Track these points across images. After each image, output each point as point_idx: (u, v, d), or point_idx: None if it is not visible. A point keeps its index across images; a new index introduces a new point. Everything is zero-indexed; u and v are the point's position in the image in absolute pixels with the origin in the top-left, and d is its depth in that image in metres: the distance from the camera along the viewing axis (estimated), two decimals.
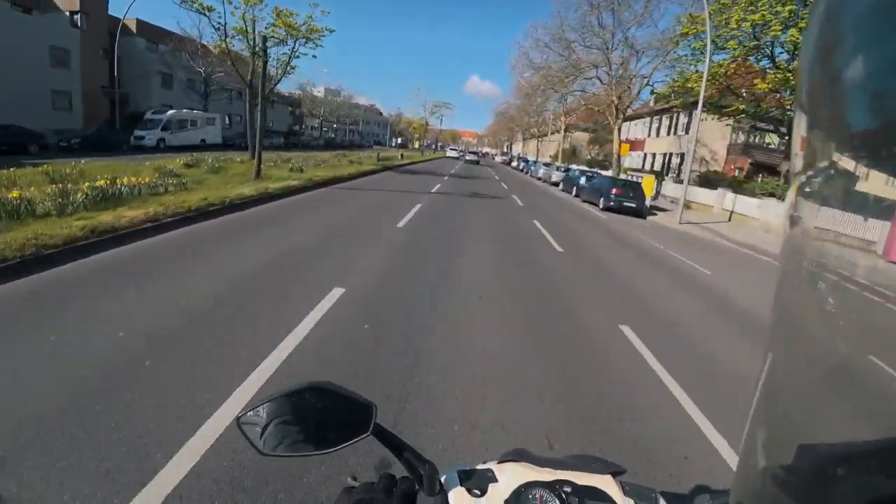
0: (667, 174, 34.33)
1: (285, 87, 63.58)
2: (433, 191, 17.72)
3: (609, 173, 28.38)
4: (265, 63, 18.94)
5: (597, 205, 19.83)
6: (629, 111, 28.01)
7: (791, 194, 0.40)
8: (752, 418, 0.45)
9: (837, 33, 0.36)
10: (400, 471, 0.73)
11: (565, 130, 45.00)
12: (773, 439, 0.43)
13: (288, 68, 20.50)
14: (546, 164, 37.90)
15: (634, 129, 46.44)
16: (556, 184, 30.16)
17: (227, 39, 18.45)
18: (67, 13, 32.02)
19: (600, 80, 26.83)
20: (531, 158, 56.08)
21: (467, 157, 64.44)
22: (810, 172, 0.38)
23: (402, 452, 0.70)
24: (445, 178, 26.33)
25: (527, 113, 59.74)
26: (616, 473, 0.75)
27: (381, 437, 0.69)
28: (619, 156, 27.21)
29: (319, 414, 0.68)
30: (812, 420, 0.40)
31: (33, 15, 30.61)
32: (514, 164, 56.62)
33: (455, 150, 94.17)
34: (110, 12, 35.93)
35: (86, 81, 32.00)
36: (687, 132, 34.32)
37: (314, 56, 22.95)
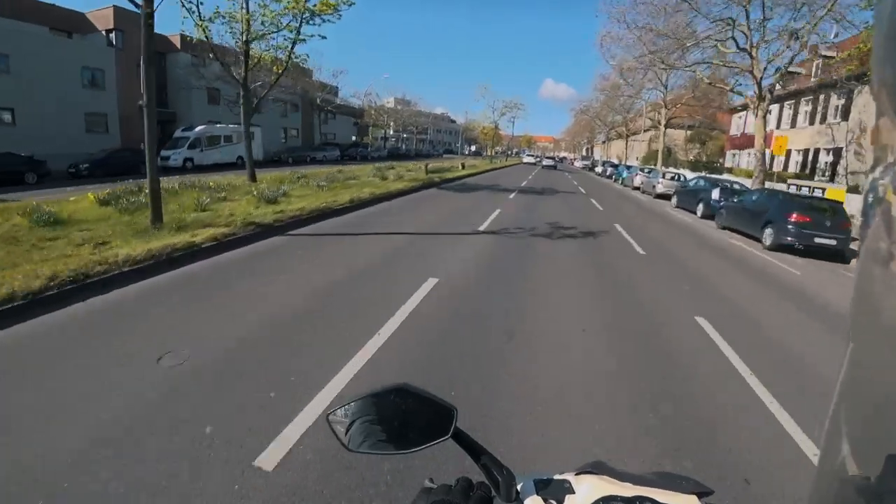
0: (812, 177, 24.92)
1: (346, 96, 60.82)
2: (483, 228, 10.82)
3: (738, 181, 20.06)
4: (247, 52, 15.09)
5: (753, 238, 12.16)
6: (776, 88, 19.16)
7: (867, 187, 0.39)
8: (832, 424, 0.42)
9: None
10: (477, 475, 0.73)
11: (666, 125, 36.08)
12: (857, 448, 0.40)
13: (292, 56, 15.32)
14: (645, 171, 29.66)
15: (752, 121, 36.41)
16: (662, 196, 22.31)
17: (205, 24, 13.47)
18: (103, 32, 30.23)
19: (736, 42, 18.53)
20: (619, 162, 47.45)
21: (544, 163, 62.03)
22: (889, 163, 0.36)
23: (480, 457, 0.70)
24: (512, 194, 19.72)
25: (612, 108, 51.05)
26: (702, 494, 0.70)
27: (460, 440, 0.70)
28: (764, 154, 18.72)
29: (402, 415, 0.69)
30: None
31: (73, 38, 29.08)
32: (599, 169, 48.08)
33: (531, 156, 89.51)
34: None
35: (124, 102, 29.73)
36: (846, 119, 24.62)
37: (323, 37, 17.25)
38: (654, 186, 23.71)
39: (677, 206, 19.03)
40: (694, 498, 0.68)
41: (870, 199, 0.38)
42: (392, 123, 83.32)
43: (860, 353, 0.39)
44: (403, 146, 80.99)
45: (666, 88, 33.46)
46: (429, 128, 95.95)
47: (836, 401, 0.41)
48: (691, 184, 19.18)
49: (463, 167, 32.74)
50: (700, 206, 16.45)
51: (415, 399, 0.70)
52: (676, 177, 23.51)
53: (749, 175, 29.97)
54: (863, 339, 0.39)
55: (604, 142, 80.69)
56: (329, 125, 58.58)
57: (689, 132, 46.72)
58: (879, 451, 0.37)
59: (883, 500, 0.37)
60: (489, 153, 63.53)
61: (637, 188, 28.21)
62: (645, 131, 51.77)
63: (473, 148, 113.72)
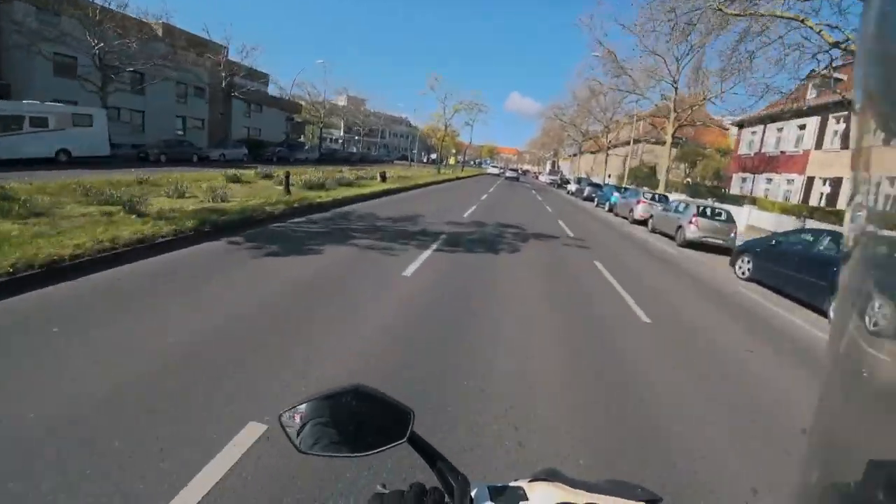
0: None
1: (274, 89, 50.42)
2: None
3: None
4: None
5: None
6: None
7: (849, 210, 0.39)
8: (814, 430, 0.43)
9: None
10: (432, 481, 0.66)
11: (673, 139, 28.01)
12: (839, 454, 0.41)
13: None
14: (651, 196, 21.12)
15: (757, 137, 29.05)
16: (689, 244, 13.68)
17: None
18: None
19: None
20: (600, 181, 39.44)
21: (507, 174, 62.24)
22: (869, 187, 0.37)
23: (435, 462, 0.69)
24: (428, 251, 8.71)
25: (590, 113, 43.25)
26: (651, 501, 0.72)
27: (415, 445, 0.69)
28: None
29: (357, 417, 0.69)
30: (884, 435, 0.38)
31: None
32: (572, 187, 39.53)
33: (496, 167, 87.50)
34: None
35: None
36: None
37: None
38: (680, 227, 14.93)
39: (750, 278, 10.24)
40: None
41: (849, 231, 0.38)
42: (342, 123, 73.26)
43: (842, 363, 0.40)
44: (353, 148, 71.20)
45: (676, 86, 25.26)
46: (382, 130, 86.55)
47: (819, 409, 0.41)
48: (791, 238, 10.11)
49: (383, 178, 23.18)
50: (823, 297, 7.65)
51: (371, 401, 0.69)
52: (716, 213, 14.76)
53: (784, 208, 22.23)
54: (843, 348, 0.39)
55: (574, 155, 73.92)
56: (254, 119, 48.03)
57: (674, 149, 39.34)
58: (860, 458, 0.38)
59: (862, 499, 0.38)
60: (450, 161, 55.26)
61: (640, 223, 19.55)
62: (625, 144, 44.35)
63: (433, 156, 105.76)
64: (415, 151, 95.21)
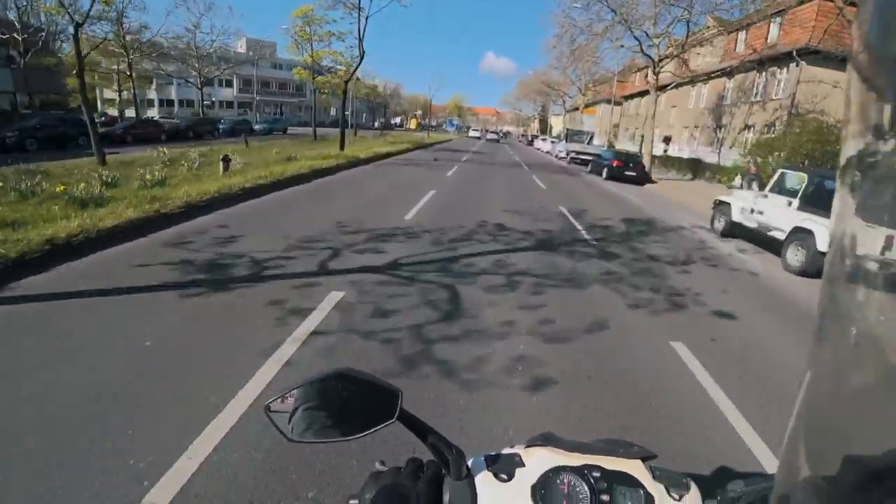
0: None
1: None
2: None
3: None
4: None
5: None
6: None
7: (838, 189, 0.38)
8: (794, 425, 0.43)
9: None
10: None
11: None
12: (817, 449, 0.42)
13: None
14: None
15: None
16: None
17: None
18: None
19: None
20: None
21: (488, 137, 61.80)
22: (859, 163, 0.35)
23: (427, 437, 0.69)
24: None
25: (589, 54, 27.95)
26: (646, 458, 0.73)
27: (406, 422, 0.69)
28: None
29: (345, 400, 0.68)
30: (860, 430, 0.39)
31: None
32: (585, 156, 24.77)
33: (476, 129, 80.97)
34: None
35: None
36: None
37: None
38: None
39: None
40: (639, 462, 0.72)
41: (839, 206, 0.37)
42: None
43: (823, 364, 0.41)
44: (247, 114, 55.24)
45: None
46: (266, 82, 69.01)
47: (799, 404, 0.42)
48: None
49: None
50: None
51: (357, 384, 0.69)
52: None
53: None
54: (826, 344, 0.40)
55: (571, 110, 58.76)
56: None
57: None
58: (837, 452, 0.39)
59: (840, 499, 0.40)
60: (412, 125, 40.08)
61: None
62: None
63: (397, 120, 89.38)
64: (364, 116, 78.57)
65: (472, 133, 76.87)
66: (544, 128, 74.20)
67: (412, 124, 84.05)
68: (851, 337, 0.37)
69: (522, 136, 74.29)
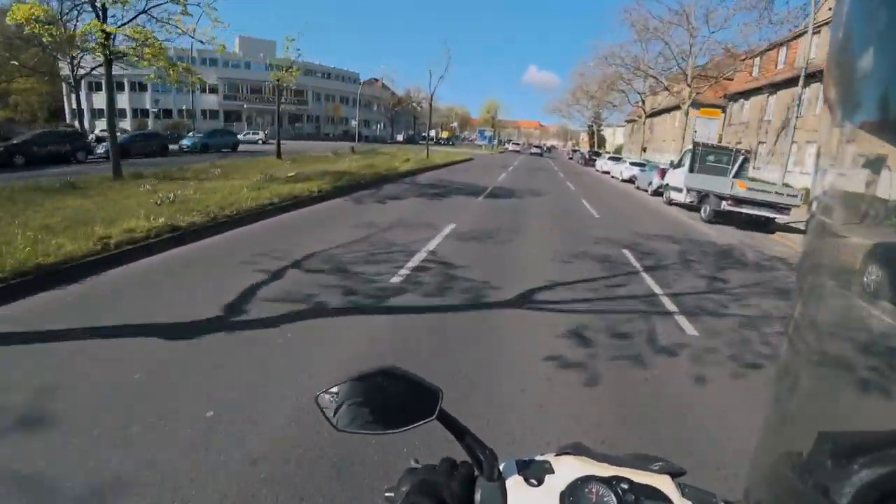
0: None
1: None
2: None
3: None
4: None
5: None
6: None
7: (816, 187, 0.41)
8: (771, 405, 0.45)
9: (864, 24, 0.35)
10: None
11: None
12: (792, 426, 0.44)
13: None
14: None
15: None
16: None
17: None
18: None
19: None
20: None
21: (531, 151, 59.39)
22: (835, 166, 0.38)
23: (464, 437, 0.71)
24: None
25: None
26: (675, 474, 0.73)
27: (445, 421, 0.71)
28: None
29: (389, 397, 0.71)
30: (833, 408, 0.41)
31: None
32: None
33: (516, 143, 77.85)
34: None
35: None
36: None
37: None
38: None
39: None
40: (667, 477, 0.71)
41: (816, 203, 0.40)
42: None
43: (798, 346, 0.42)
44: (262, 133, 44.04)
45: None
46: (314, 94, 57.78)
47: (775, 383, 0.44)
48: None
49: None
50: None
51: (401, 381, 0.72)
52: None
53: None
54: (801, 334, 0.42)
55: (635, 119, 43.98)
56: None
57: None
58: (811, 429, 0.41)
59: (813, 473, 0.42)
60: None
61: None
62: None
63: (433, 133, 77.65)
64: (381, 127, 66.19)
65: (510, 147, 70.71)
66: (598, 142, 59.08)
67: (444, 135, 72.94)
68: (828, 318, 0.39)
69: (574, 151, 59.04)
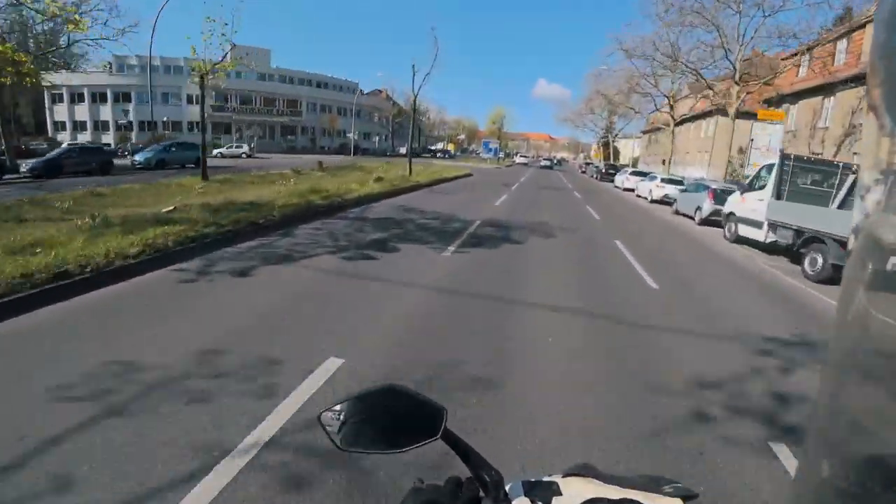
0: None
1: None
2: None
3: None
4: None
5: None
6: None
7: (859, 201, 0.39)
8: (813, 428, 0.44)
9: None
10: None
11: None
12: (837, 451, 0.42)
13: None
14: None
15: None
16: None
17: None
18: None
19: None
20: None
21: (542, 164, 57.68)
22: (880, 180, 0.37)
23: (469, 457, 0.70)
24: None
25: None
26: (686, 498, 0.71)
27: (449, 441, 0.70)
28: None
29: (393, 415, 0.70)
30: (879, 432, 0.39)
31: None
32: None
33: (524, 156, 74.61)
34: None
35: None
36: None
37: None
38: None
39: None
40: (679, 501, 0.69)
41: (859, 217, 0.38)
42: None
43: (841, 366, 0.41)
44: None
45: None
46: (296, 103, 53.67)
47: (817, 408, 0.42)
48: None
49: None
50: None
51: (405, 399, 0.71)
52: None
53: None
54: (845, 353, 0.40)
55: (655, 129, 39.39)
56: None
57: None
58: (856, 455, 0.39)
59: (860, 500, 0.39)
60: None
61: None
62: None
63: (440, 146, 73.82)
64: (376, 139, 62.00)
65: (518, 160, 67.15)
66: (612, 154, 53.95)
67: (451, 148, 70.12)
68: (873, 337, 0.37)
69: (587, 163, 53.80)
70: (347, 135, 54.56)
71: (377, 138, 67.00)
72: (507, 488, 0.70)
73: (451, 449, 0.69)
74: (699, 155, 35.15)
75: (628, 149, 62.73)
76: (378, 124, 69.25)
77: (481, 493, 0.69)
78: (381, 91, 71.92)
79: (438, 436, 0.67)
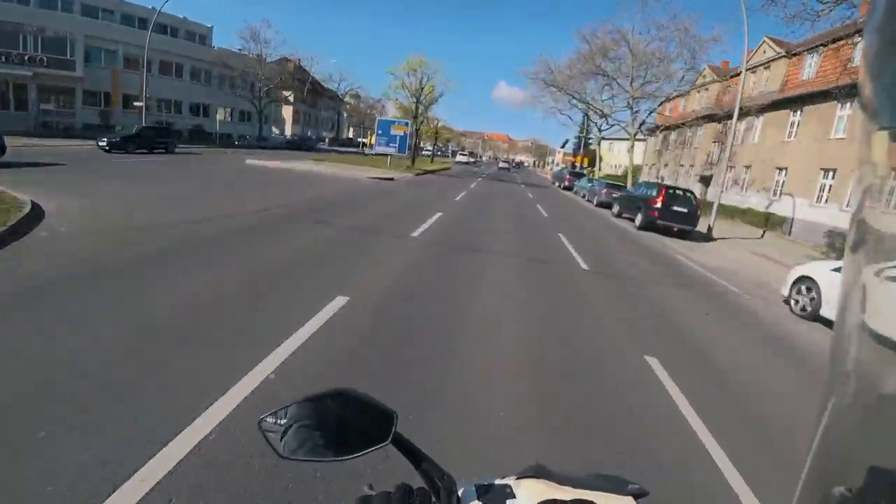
0: None
1: None
2: None
3: None
4: None
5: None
6: None
7: (856, 206, 0.38)
8: (818, 438, 0.43)
9: None
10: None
11: None
12: (841, 461, 0.42)
13: None
14: None
15: None
16: None
17: None
18: None
19: None
20: None
21: (500, 166, 59.33)
22: (876, 182, 0.36)
23: (420, 463, 0.70)
24: None
25: None
26: (638, 496, 0.72)
27: (400, 446, 0.69)
28: None
29: (341, 420, 0.68)
30: (885, 441, 0.39)
31: None
32: None
33: (463, 154, 69.47)
34: None
35: None
36: None
37: None
38: None
39: None
40: (630, 499, 0.70)
41: (856, 224, 0.38)
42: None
43: (843, 368, 0.40)
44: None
45: None
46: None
47: (822, 415, 0.42)
48: None
49: None
50: None
51: (354, 403, 0.69)
52: None
53: None
54: (848, 360, 0.40)
55: (649, 132, 35.00)
56: None
57: None
58: (862, 463, 0.38)
59: None
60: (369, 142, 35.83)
61: None
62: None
63: (362, 140, 57.37)
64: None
65: (459, 157, 63.65)
66: (591, 159, 45.35)
67: (369, 141, 48.53)
68: (872, 344, 0.37)
69: (574, 174, 36.61)
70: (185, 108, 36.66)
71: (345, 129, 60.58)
72: (459, 492, 0.69)
73: (401, 454, 0.68)
74: (807, 173, 18.51)
75: (615, 156, 50.77)
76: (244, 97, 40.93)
77: (433, 500, 0.67)
78: (289, 60, 45.50)
79: (389, 441, 0.66)
